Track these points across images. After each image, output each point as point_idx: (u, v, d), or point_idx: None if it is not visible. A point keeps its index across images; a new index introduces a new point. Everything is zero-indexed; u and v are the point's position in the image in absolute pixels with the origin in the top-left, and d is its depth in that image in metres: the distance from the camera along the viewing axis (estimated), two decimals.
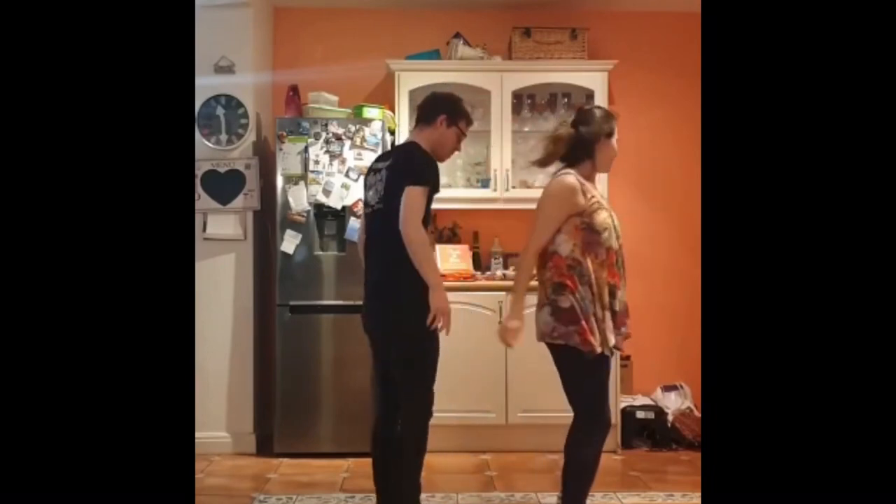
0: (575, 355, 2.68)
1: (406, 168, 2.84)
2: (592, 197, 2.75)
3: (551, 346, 2.76)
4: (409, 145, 2.99)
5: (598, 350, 2.67)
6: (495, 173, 4.46)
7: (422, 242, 2.76)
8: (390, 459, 2.89)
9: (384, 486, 2.95)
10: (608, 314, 2.70)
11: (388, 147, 4.34)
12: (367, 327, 3.00)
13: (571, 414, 2.82)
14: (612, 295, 2.72)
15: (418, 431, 2.86)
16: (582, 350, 2.66)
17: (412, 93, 4.43)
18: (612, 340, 2.70)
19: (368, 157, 4.18)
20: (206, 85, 4.18)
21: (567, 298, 2.68)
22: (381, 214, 2.87)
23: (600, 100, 4.45)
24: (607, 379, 2.81)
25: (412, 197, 2.76)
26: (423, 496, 3.02)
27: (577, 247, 2.71)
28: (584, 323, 2.66)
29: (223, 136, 4.28)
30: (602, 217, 2.72)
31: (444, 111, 2.98)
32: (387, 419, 2.93)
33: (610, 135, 2.83)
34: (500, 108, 4.46)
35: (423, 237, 2.78)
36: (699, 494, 3.24)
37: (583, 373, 2.71)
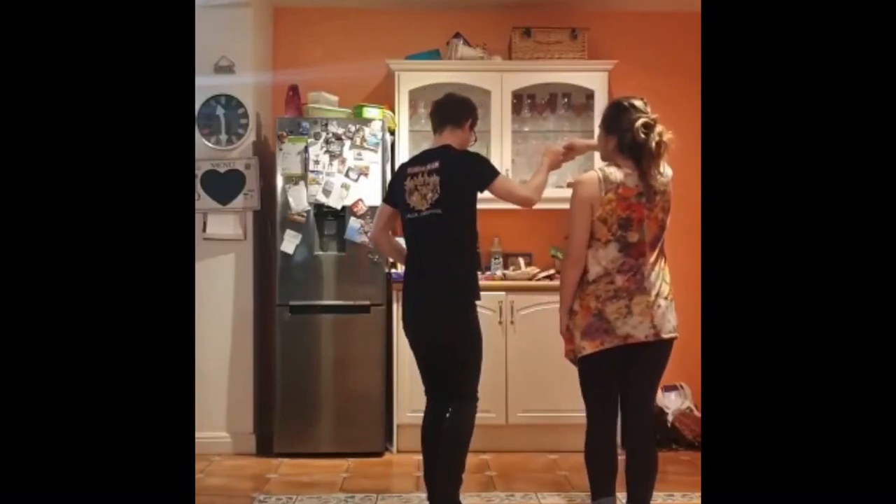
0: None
1: (473, 172, 2.96)
2: None
3: (666, 342, 2.70)
4: (450, 150, 3.01)
5: None
6: None
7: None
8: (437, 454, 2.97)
9: (434, 480, 2.99)
10: None
11: (388, 147, 4.35)
12: (420, 331, 3.02)
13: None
14: None
15: (472, 423, 2.96)
16: None
17: (412, 93, 4.43)
18: None
19: (368, 157, 4.19)
20: (206, 85, 4.18)
21: None
22: (440, 220, 2.92)
23: (600, 100, 4.45)
24: None
25: (507, 181, 3.04)
26: (422, 496, 3.05)
27: None
28: None
29: (223, 136, 4.27)
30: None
31: (471, 116, 3.11)
32: (437, 417, 2.98)
33: None
34: (500, 108, 4.46)
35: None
36: (699, 494, 3.24)
37: None
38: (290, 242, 4.16)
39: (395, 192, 3.09)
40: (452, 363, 2.96)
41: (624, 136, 2.64)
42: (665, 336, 2.64)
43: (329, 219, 4.25)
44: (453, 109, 3.09)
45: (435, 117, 3.12)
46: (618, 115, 2.70)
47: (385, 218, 3.18)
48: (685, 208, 4.75)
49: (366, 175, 4.19)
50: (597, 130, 3.02)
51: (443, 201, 2.91)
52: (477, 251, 3.08)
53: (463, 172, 2.94)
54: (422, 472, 3.10)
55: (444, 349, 2.96)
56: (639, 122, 2.61)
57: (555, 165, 3.10)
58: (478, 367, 3.00)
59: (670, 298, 2.68)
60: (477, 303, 3.02)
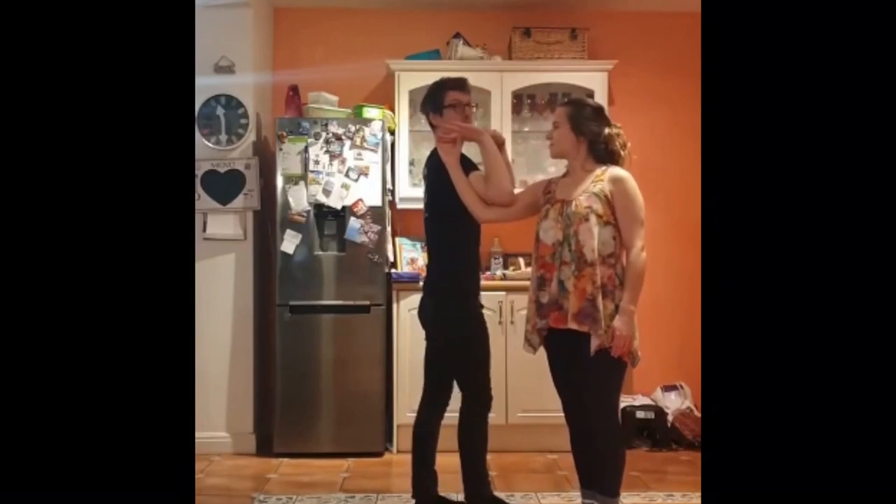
0: None
1: (441, 175, 3.01)
2: (549, 193, 2.84)
3: None
4: (437, 153, 3.08)
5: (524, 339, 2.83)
6: None
7: None
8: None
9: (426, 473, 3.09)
10: (533, 306, 2.79)
11: (388, 147, 4.35)
12: (425, 327, 3.15)
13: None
14: (540, 287, 2.76)
15: (480, 422, 3.06)
16: None
17: (412, 93, 4.43)
18: (526, 329, 2.82)
19: (368, 157, 4.19)
20: (206, 85, 4.18)
21: None
22: (427, 222, 3.12)
23: (600, 99, 4.44)
24: (552, 363, 2.86)
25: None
26: None
27: None
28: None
29: (223, 136, 4.27)
30: (543, 211, 2.81)
31: (427, 110, 3.08)
32: (436, 413, 3.10)
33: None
34: (500, 108, 4.46)
35: None
36: (699, 494, 3.24)
37: None
38: (290, 242, 4.16)
39: None
40: (439, 356, 3.05)
41: (597, 142, 2.76)
42: None
43: (329, 219, 4.25)
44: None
45: None
46: (596, 116, 2.80)
47: None
48: (685, 208, 4.77)
49: (366, 175, 4.19)
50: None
51: (429, 205, 3.07)
52: (461, 251, 3.03)
53: (440, 177, 2.98)
54: None
55: (432, 343, 3.09)
56: (615, 133, 2.78)
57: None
58: (474, 366, 3.02)
59: None
60: (473, 305, 3.05)
